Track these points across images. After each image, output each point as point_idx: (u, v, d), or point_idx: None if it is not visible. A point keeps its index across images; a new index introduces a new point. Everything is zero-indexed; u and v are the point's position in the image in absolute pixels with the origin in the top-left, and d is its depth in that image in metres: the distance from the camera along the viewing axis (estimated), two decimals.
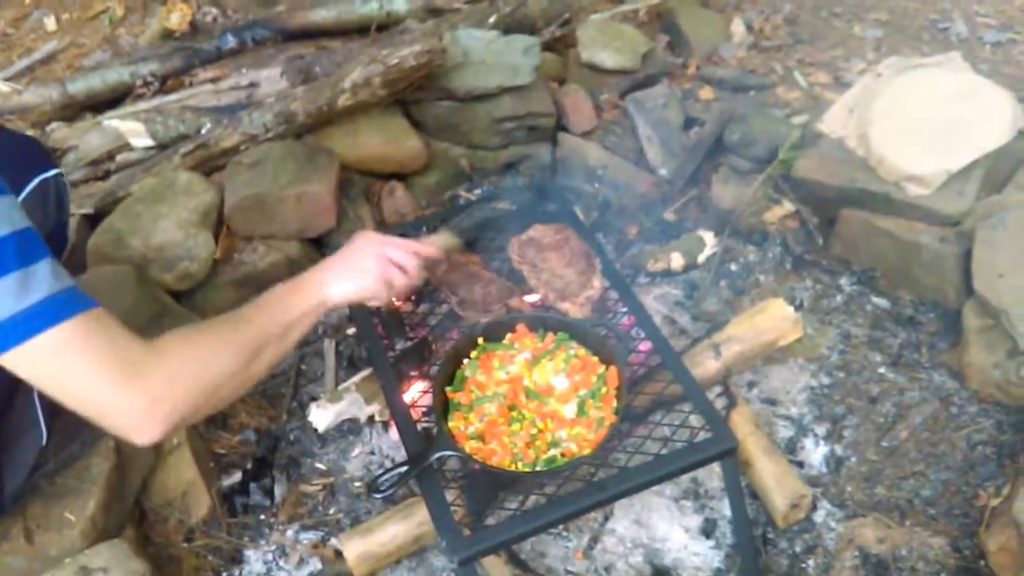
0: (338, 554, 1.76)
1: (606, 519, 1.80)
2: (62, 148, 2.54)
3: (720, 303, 2.23)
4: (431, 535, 1.70)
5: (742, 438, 1.80)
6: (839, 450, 1.92)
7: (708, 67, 2.90)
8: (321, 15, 2.91)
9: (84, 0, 3.72)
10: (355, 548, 1.70)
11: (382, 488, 1.45)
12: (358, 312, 1.83)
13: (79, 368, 1.14)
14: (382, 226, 2.40)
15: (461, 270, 1.84)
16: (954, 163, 2.12)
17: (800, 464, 1.89)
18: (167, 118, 2.49)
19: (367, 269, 1.53)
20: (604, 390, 1.62)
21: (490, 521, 1.68)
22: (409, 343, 1.79)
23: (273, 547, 1.82)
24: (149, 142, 2.49)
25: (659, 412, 1.73)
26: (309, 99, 2.38)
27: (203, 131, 2.46)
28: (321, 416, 1.91)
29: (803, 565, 1.73)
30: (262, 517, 1.88)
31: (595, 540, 1.78)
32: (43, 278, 1.12)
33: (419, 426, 1.62)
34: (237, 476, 1.93)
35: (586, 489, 1.47)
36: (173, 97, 2.66)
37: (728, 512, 1.76)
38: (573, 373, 1.65)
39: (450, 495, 1.50)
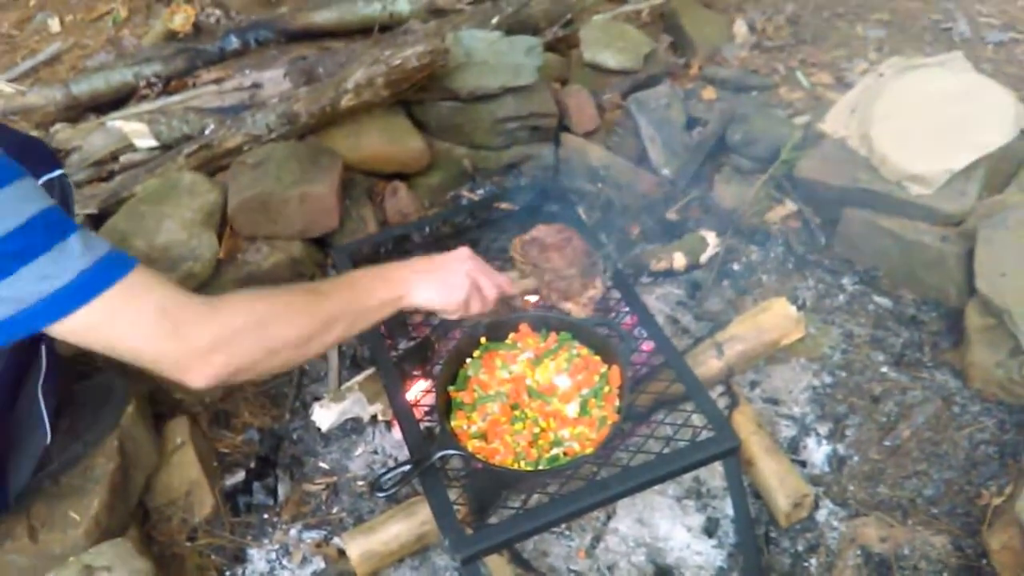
0: (341, 553, 1.76)
1: (608, 518, 1.80)
2: (66, 149, 2.54)
3: (722, 303, 2.23)
4: (434, 534, 1.71)
5: (744, 437, 1.81)
6: (841, 449, 1.92)
7: (710, 67, 2.90)
8: (324, 16, 2.92)
9: (88, 2, 3.73)
10: (358, 547, 1.70)
11: (385, 487, 1.46)
12: None
13: (126, 327, 1.19)
14: (384, 226, 2.40)
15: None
16: (956, 163, 2.12)
17: (802, 463, 1.89)
18: (171, 119, 2.50)
19: (457, 285, 1.54)
20: (607, 389, 1.62)
21: (493, 520, 1.68)
22: (412, 342, 1.80)
23: (276, 546, 1.83)
24: (153, 143, 2.49)
25: (661, 411, 1.73)
26: (312, 100, 2.39)
27: (207, 132, 2.46)
28: (324, 415, 1.91)
29: (805, 564, 1.73)
30: (265, 516, 1.89)
31: (597, 539, 1.78)
32: (77, 251, 1.15)
33: (422, 425, 1.62)
34: (240, 475, 1.93)
35: (588, 488, 1.47)
36: (177, 98, 2.67)
37: (730, 511, 1.76)
38: (576, 372, 1.65)
39: (453, 494, 1.50)
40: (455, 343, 1.74)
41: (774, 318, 2.01)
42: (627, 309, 1.80)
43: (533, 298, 1.82)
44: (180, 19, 2.98)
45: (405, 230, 2.10)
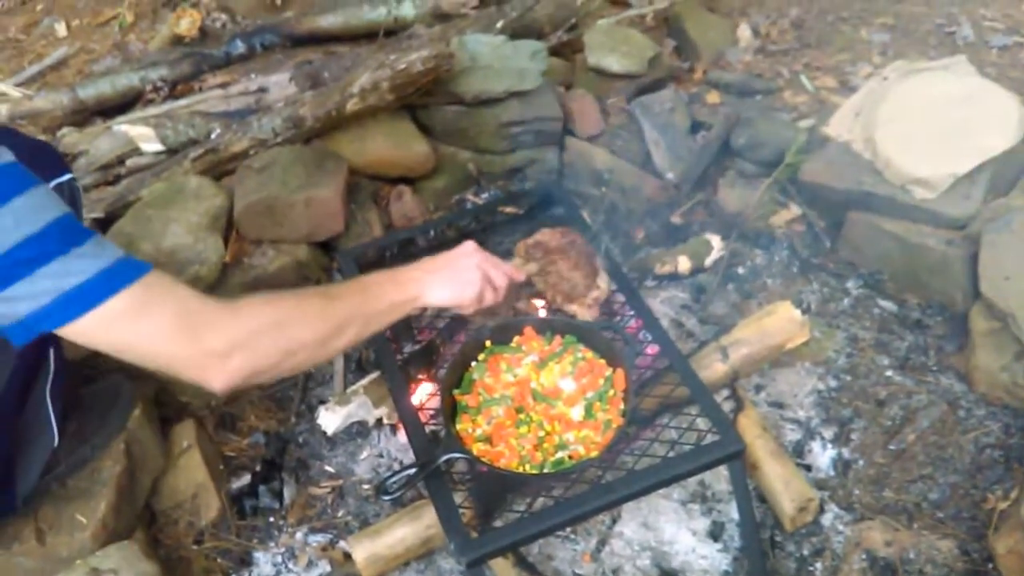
0: (347, 556, 1.77)
1: (614, 522, 1.81)
2: (73, 153, 2.55)
3: (727, 306, 2.23)
4: (439, 537, 1.71)
5: (749, 441, 1.81)
6: (846, 453, 1.92)
7: (715, 71, 2.90)
8: (329, 20, 2.93)
9: (95, 6, 3.74)
10: (364, 550, 1.70)
11: (391, 490, 1.46)
12: None
13: (145, 327, 1.19)
14: (389, 230, 2.41)
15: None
16: (960, 166, 2.12)
17: (808, 467, 1.89)
18: (177, 123, 2.51)
19: (469, 280, 1.56)
20: (611, 393, 1.62)
21: (498, 523, 1.69)
22: (417, 346, 1.81)
23: (282, 549, 1.83)
24: (159, 147, 2.50)
25: (666, 415, 1.73)
26: (318, 104, 2.40)
27: (213, 136, 2.47)
28: (330, 419, 1.92)
29: (811, 568, 1.73)
30: (271, 519, 1.89)
31: (603, 543, 1.78)
32: (93, 254, 1.17)
33: (427, 429, 1.63)
34: (246, 479, 1.94)
35: (593, 491, 1.48)
36: (183, 102, 2.68)
37: (735, 515, 1.76)
38: (580, 376, 1.65)
39: (458, 497, 1.50)
40: (460, 346, 1.74)
41: (779, 322, 2.01)
42: (632, 312, 1.80)
43: (539, 302, 1.83)
44: (186, 24, 3.00)
45: (410, 234, 2.11)
